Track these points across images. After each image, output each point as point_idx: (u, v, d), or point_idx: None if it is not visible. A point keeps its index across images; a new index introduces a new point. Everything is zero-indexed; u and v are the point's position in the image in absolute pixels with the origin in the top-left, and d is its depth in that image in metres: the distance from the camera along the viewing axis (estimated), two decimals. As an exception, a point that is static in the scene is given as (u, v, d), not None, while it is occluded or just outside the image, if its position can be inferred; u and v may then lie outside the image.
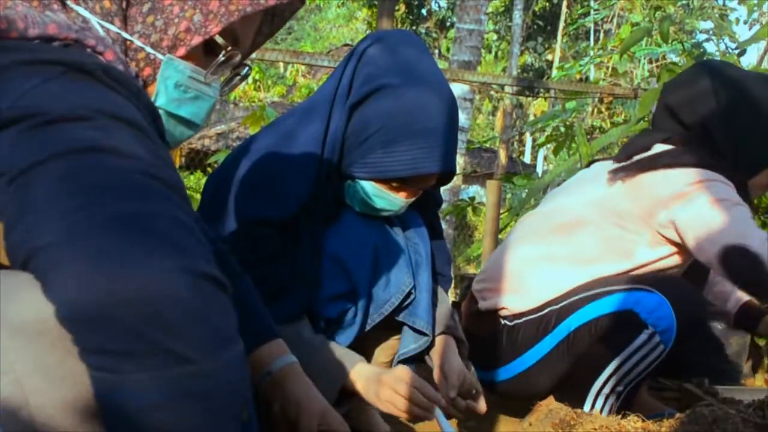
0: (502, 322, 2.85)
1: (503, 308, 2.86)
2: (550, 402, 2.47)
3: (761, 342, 3.91)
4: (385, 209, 2.15)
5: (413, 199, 2.18)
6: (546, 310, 2.78)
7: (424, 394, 1.96)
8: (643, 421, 2.14)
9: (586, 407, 2.63)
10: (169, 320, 0.89)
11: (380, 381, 1.96)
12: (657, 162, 2.69)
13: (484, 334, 2.83)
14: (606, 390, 2.62)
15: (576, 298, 2.73)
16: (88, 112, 1.01)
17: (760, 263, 2.45)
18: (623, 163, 2.77)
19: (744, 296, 3.03)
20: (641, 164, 2.72)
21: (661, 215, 2.64)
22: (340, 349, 2.06)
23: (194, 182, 9.37)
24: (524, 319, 2.81)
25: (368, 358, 2.31)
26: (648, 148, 2.77)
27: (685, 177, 2.62)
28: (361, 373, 2.01)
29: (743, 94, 2.71)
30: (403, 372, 1.98)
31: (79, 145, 0.98)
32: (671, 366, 2.96)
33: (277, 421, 1.68)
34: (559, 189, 3.20)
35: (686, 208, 2.59)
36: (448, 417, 2.29)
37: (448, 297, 2.49)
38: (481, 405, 2.26)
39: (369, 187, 2.11)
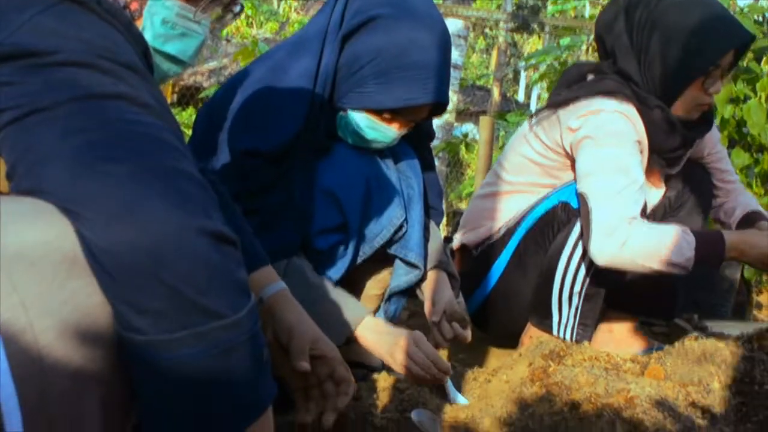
0: (472, 253, 2.98)
1: (470, 242, 2.99)
2: (541, 334, 2.49)
3: (751, 278, 3.93)
4: (377, 141, 2.14)
5: (405, 131, 2.16)
6: (502, 231, 2.89)
7: (437, 364, 1.99)
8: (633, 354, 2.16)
9: (554, 319, 2.68)
10: (200, 278, 0.91)
11: (397, 344, 1.97)
12: (571, 96, 2.72)
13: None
14: (565, 293, 2.66)
15: (524, 212, 2.85)
16: (92, 56, 0.99)
17: (585, 205, 2.55)
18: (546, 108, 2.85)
19: (748, 207, 3.07)
20: (558, 103, 2.76)
21: (566, 144, 2.70)
22: (345, 295, 2.07)
23: (187, 118, 9.30)
24: (486, 243, 2.93)
25: (360, 290, 2.32)
26: (582, 77, 2.81)
27: (579, 108, 2.66)
28: (371, 327, 2.02)
29: (650, 21, 2.64)
30: (420, 340, 2.00)
31: (89, 91, 0.97)
32: (661, 303, 2.99)
33: (269, 347, 1.69)
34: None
35: (575, 138, 2.65)
36: (437, 347, 2.31)
37: (440, 231, 2.50)
38: (467, 333, 2.28)
39: (361, 118, 2.10)
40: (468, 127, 9.40)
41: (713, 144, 3.02)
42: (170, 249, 0.89)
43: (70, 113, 0.94)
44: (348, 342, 2.02)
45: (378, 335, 2.01)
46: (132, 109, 0.99)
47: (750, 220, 2.98)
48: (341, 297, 2.04)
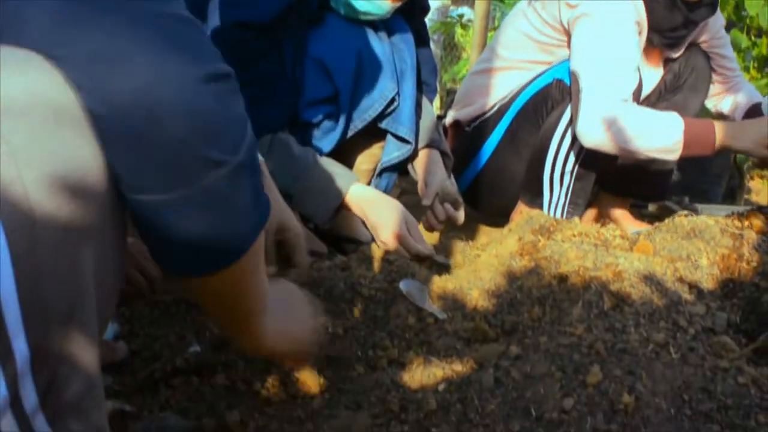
0: (464, 129, 2.97)
1: (463, 118, 2.97)
2: (531, 210, 2.49)
3: (743, 163, 3.93)
4: (369, 13, 2.10)
5: (399, 4, 2.12)
6: (496, 108, 2.87)
7: (420, 253, 1.98)
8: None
9: (545, 197, 2.69)
10: (200, 129, 0.88)
11: (386, 223, 1.97)
12: None
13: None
14: (557, 172, 2.66)
15: (519, 89, 2.82)
16: None
17: (576, 83, 2.52)
18: None
19: (752, 99, 3.05)
20: None
21: (564, 20, 2.65)
22: (332, 165, 2.05)
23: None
24: (479, 120, 2.91)
25: (351, 165, 2.31)
26: None
27: None
28: (359, 195, 2.02)
29: None
30: (412, 224, 2.00)
31: None
32: (653, 185, 3.00)
33: None
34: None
35: (573, 15, 2.60)
36: (430, 230, 2.32)
37: (433, 108, 2.47)
38: (460, 215, 2.28)
39: (354, -11, 2.05)
40: (464, 9, 9.24)
41: (717, 29, 2.97)
42: (167, 102, 0.87)
43: None
44: (338, 212, 2.02)
45: (367, 204, 2.01)
46: None
47: (753, 113, 2.95)
48: (329, 167, 2.03)
